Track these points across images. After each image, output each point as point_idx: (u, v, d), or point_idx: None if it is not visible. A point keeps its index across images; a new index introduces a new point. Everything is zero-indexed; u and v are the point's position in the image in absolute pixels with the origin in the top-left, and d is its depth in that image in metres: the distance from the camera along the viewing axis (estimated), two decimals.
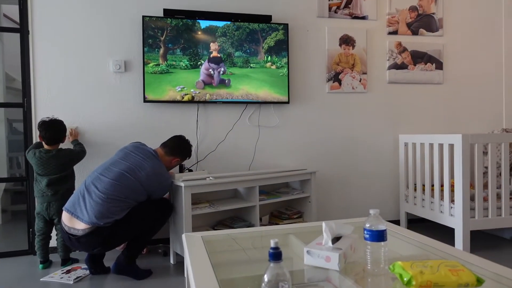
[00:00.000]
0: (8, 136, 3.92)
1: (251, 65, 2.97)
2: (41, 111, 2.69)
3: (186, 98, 2.84)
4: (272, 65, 3.00)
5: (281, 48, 3.03)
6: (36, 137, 2.66)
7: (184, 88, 2.84)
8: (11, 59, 3.72)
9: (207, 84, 2.89)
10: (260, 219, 2.71)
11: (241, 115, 3.05)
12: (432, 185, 2.96)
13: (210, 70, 2.89)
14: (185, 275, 2.25)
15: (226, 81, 2.93)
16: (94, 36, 2.78)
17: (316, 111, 3.23)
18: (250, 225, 2.60)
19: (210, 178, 2.45)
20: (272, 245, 0.76)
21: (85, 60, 2.77)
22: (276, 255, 0.75)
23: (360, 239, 1.14)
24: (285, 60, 3.04)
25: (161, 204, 2.32)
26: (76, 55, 2.76)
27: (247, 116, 3.07)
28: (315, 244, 1.15)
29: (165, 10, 2.82)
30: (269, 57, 3.01)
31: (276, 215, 2.90)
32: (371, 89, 3.36)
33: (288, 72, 3.06)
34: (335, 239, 1.19)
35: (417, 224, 3.42)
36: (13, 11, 3.72)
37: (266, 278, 0.76)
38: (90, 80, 2.78)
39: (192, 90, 2.85)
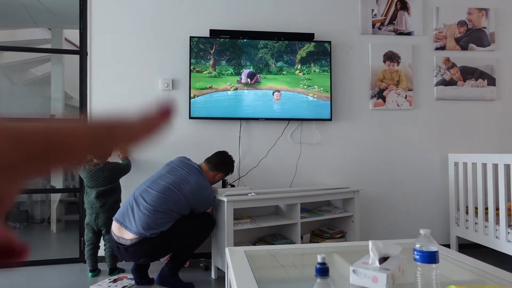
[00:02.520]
0: None
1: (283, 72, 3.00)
2: None
3: (232, 89, 2.90)
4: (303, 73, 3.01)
5: (316, 58, 3.04)
6: None
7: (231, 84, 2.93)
8: (70, 79, 4.03)
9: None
10: (301, 238, 2.67)
11: (283, 132, 3.07)
12: (486, 208, 2.77)
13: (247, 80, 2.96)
14: None
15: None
16: (145, 57, 2.95)
17: (359, 128, 3.18)
18: (291, 242, 2.57)
19: (252, 193, 2.47)
20: (319, 260, 0.76)
21: (137, 79, 2.94)
22: (323, 270, 0.74)
23: (409, 261, 1.10)
24: (315, 68, 3.04)
25: (204, 218, 2.37)
26: (129, 74, 2.93)
27: (289, 133, 3.08)
28: (361, 263, 1.12)
29: (211, 31, 2.94)
30: (303, 67, 3.02)
31: (317, 234, 2.84)
32: (418, 106, 3.25)
33: (331, 89, 3.05)
34: (382, 259, 1.15)
35: (470, 249, 3.20)
36: (73, 35, 4.05)
37: None
38: (141, 98, 2.94)
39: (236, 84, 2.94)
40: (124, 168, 2.64)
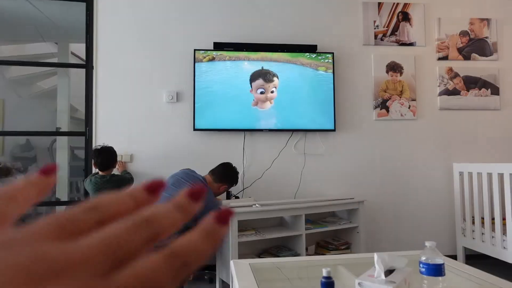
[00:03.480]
0: (70, 162, 4.23)
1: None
2: (101, 139, 2.89)
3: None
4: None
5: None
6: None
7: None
8: (75, 92, 4.07)
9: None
10: (306, 249, 2.66)
11: (287, 143, 3.07)
12: (493, 218, 2.75)
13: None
14: None
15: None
16: (149, 70, 2.99)
17: (363, 139, 3.18)
18: (296, 254, 2.55)
19: (257, 205, 2.47)
20: (325, 274, 0.76)
21: (142, 92, 2.97)
22: (328, 284, 0.74)
23: (415, 273, 1.09)
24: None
25: None
26: (134, 87, 2.97)
27: (293, 144, 3.09)
28: (366, 276, 1.12)
29: (215, 44, 2.98)
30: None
31: (322, 245, 2.82)
32: (421, 116, 3.25)
33: (334, 100, 3.07)
34: (388, 272, 1.14)
35: (477, 260, 3.16)
36: (80, 49, 4.11)
37: None
38: (146, 111, 2.96)
39: None
40: (129, 181, 2.66)
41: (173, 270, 0.15)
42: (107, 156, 2.58)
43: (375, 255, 1.13)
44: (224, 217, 0.17)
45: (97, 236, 0.15)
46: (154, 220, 0.16)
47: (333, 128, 3.05)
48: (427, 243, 1.00)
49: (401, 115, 3.22)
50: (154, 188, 0.17)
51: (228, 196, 2.75)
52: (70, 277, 0.13)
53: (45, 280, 0.13)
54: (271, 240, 2.74)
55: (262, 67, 3.00)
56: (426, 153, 3.24)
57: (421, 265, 0.98)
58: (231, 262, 1.48)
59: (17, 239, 0.14)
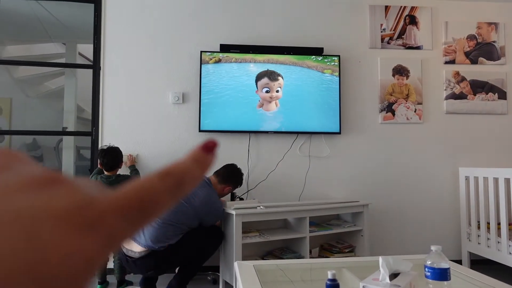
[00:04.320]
0: (75, 162, 4.26)
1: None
2: (107, 139, 2.91)
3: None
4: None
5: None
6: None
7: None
8: (82, 92, 4.11)
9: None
10: (310, 252, 2.65)
11: (292, 145, 3.07)
12: (499, 223, 2.73)
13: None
14: None
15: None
16: (156, 71, 3.01)
17: (368, 142, 3.17)
18: (300, 256, 2.55)
19: (261, 207, 2.47)
20: (330, 276, 0.76)
21: (148, 93, 2.99)
22: (333, 286, 0.74)
23: (420, 277, 1.09)
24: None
25: (212, 232, 2.37)
26: (140, 88, 2.98)
27: (297, 146, 3.09)
28: (371, 279, 1.11)
29: (221, 46, 2.99)
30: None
31: (326, 248, 2.82)
32: (427, 120, 3.24)
33: (340, 103, 3.06)
34: (393, 276, 1.14)
35: (482, 265, 3.13)
36: (87, 49, 4.15)
37: None
38: (152, 111, 2.98)
39: None
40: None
41: (166, 185, 0.16)
42: (112, 156, 2.58)
43: (380, 258, 1.12)
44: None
45: (128, 188, 0.16)
46: (176, 173, 0.17)
47: (338, 131, 3.05)
48: (433, 247, 1.00)
49: (407, 118, 3.21)
50: (211, 147, 0.19)
51: (233, 198, 2.76)
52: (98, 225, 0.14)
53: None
54: (275, 242, 2.73)
55: (268, 69, 3.00)
56: (432, 157, 3.22)
57: (426, 269, 0.98)
58: (235, 264, 1.48)
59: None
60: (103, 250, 0.13)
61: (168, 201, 0.16)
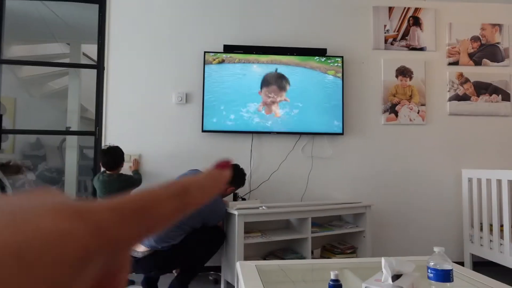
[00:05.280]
0: (79, 161, 4.28)
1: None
2: (110, 139, 2.92)
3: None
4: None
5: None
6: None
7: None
8: (86, 92, 4.12)
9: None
10: (312, 252, 2.65)
11: (295, 146, 3.08)
12: (501, 225, 2.72)
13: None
14: None
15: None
16: (160, 71, 3.02)
17: (371, 143, 3.17)
18: (302, 257, 2.55)
19: (263, 207, 2.47)
20: (333, 277, 0.76)
21: (151, 93, 3.00)
22: (336, 287, 0.74)
23: (422, 279, 1.09)
24: None
25: (214, 232, 2.38)
26: (144, 88, 3.00)
27: (300, 147, 3.09)
28: (373, 280, 1.11)
29: (225, 46, 3.00)
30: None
31: (328, 249, 2.81)
32: (430, 121, 3.23)
33: (343, 103, 3.06)
34: (395, 277, 1.14)
35: (485, 267, 3.12)
36: (91, 49, 4.17)
37: None
38: (155, 111, 2.99)
39: None
40: (136, 182, 2.67)
41: (169, 192, 0.16)
42: (112, 156, 2.59)
43: (383, 260, 1.13)
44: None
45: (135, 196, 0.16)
46: (188, 187, 0.17)
47: (341, 131, 3.05)
48: (436, 249, 1.00)
49: (410, 120, 3.20)
50: (224, 165, 0.19)
51: (235, 198, 2.76)
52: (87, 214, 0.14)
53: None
54: (277, 243, 2.73)
55: (276, 69, 3.00)
56: (435, 159, 3.21)
57: (429, 271, 0.98)
58: (237, 264, 1.49)
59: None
60: (91, 238, 0.13)
61: (171, 208, 0.16)
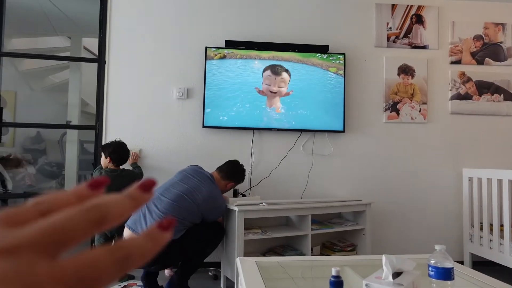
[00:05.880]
0: (79, 156, 4.28)
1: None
2: (111, 134, 2.92)
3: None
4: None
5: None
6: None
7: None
8: (86, 86, 4.11)
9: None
10: (312, 249, 2.65)
11: (296, 143, 3.07)
12: (501, 225, 2.72)
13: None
14: None
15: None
16: (161, 66, 3.01)
17: (372, 141, 3.16)
18: (301, 254, 2.55)
19: (264, 204, 2.47)
20: (334, 273, 0.75)
21: (152, 88, 2.99)
22: (337, 284, 0.74)
23: (423, 277, 1.08)
24: None
25: (214, 228, 2.38)
26: (145, 83, 2.99)
27: (301, 144, 3.08)
28: (374, 277, 1.11)
29: (226, 42, 2.99)
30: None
31: (328, 246, 2.82)
32: (432, 120, 3.23)
33: (344, 101, 3.05)
34: (395, 274, 1.14)
35: (484, 267, 3.12)
36: (92, 43, 4.15)
37: None
38: (156, 106, 2.98)
39: None
40: (138, 176, 2.67)
41: (114, 261, 0.16)
42: (120, 152, 2.58)
43: (384, 257, 1.12)
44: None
45: (44, 222, 0.16)
46: (102, 205, 0.17)
47: (342, 129, 3.04)
48: (437, 247, 0.99)
49: (412, 118, 3.19)
50: (97, 185, 0.19)
51: (235, 194, 2.76)
52: (15, 257, 0.14)
53: None
54: (277, 239, 2.74)
55: (275, 64, 3.00)
56: (436, 157, 3.21)
57: (430, 269, 0.97)
58: (237, 260, 1.48)
59: None
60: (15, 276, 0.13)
61: (113, 272, 0.16)
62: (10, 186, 3.88)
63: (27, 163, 4.40)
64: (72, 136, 4.13)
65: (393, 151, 3.18)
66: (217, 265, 2.85)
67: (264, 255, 2.63)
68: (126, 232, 2.23)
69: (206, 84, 2.93)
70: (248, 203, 2.47)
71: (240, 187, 2.84)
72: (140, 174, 2.70)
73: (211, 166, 2.77)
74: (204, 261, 2.45)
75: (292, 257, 2.30)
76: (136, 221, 2.21)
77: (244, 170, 2.59)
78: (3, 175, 3.81)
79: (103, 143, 2.91)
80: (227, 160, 2.61)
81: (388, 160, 3.17)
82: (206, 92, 2.92)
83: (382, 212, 3.13)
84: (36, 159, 4.53)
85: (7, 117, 4.14)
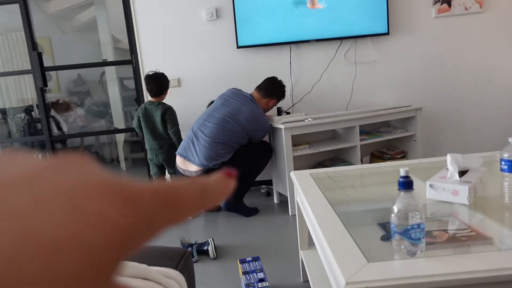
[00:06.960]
0: (121, 93, 4.37)
1: None
2: (148, 66, 2.89)
3: None
4: None
5: None
6: (145, 90, 2.88)
7: None
8: (115, 23, 4.02)
9: None
10: (361, 160, 2.64)
11: (336, 52, 2.89)
12: None
13: None
14: (290, 213, 2.34)
15: None
16: None
17: (421, 41, 2.90)
18: (351, 165, 2.55)
19: (309, 119, 2.43)
20: (402, 173, 0.72)
21: (181, 12, 2.85)
22: (407, 184, 0.71)
23: (490, 173, 1.03)
24: None
25: (261, 147, 2.41)
26: (172, 8, 2.85)
27: (342, 53, 2.90)
28: (438, 177, 1.07)
29: None
30: None
31: (377, 156, 2.79)
32: (490, 8, 2.86)
33: None
34: (460, 173, 1.09)
35: None
36: None
37: (396, 208, 0.73)
38: (187, 32, 2.87)
39: None
40: (172, 111, 2.61)
41: (193, 191, 0.17)
42: (157, 82, 2.56)
43: (448, 156, 1.07)
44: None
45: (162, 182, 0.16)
46: (207, 190, 0.18)
47: (386, 31, 2.79)
48: (511, 139, 0.91)
49: (465, 8, 2.85)
50: (231, 174, 0.20)
51: (279, 113, 2.73)
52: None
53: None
54: (325, 153, 2.74)
55: None
56: (495, 50, 2.91)
57: (502, 163, 0.91)
58: (292, 174, 1.50)
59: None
60: (138, 226, 0.14)
61: (191, 206, 0.16)
62: (65, 128, 4.11)
63: (75, 105, 4.59)
64: (111, 74, 4.18)
65: (444, 49, 2.91)
66: (269, 183, 2.94)
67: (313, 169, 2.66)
68: (179, 160, 2.32)
69: (235, 1, 2.74)
70: (293, 119, 2.44)
71: (283, 105, 2.79)
72: (172, 108, 2.64)
73: (250, 87, 2.72)
74: (256, 179, 2.53)
75: (344, 167, 2.30)
76: (186, 148, 2.28)
77: (283, 86, 2.52)
78: (57, 118, 4.02)
79: (142, 76, 2.91)
80: (265, 78, 2.54)
81: (439, 60, 2.92)
82: (236, 10, 2.75)
83: (433, 116, 2.99)
84: (82, 100, 4.70)
85: (46, 63, 4.24)
